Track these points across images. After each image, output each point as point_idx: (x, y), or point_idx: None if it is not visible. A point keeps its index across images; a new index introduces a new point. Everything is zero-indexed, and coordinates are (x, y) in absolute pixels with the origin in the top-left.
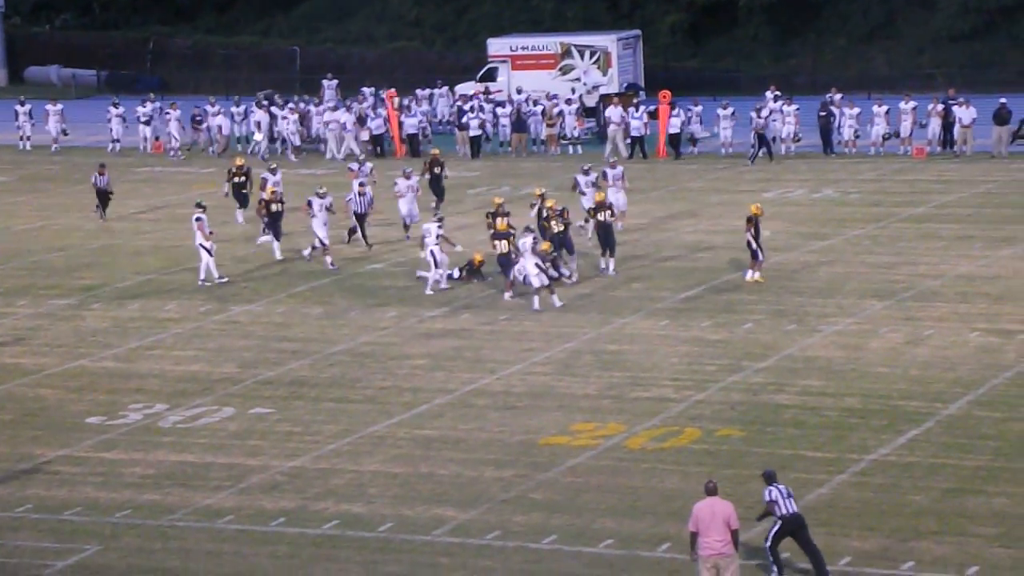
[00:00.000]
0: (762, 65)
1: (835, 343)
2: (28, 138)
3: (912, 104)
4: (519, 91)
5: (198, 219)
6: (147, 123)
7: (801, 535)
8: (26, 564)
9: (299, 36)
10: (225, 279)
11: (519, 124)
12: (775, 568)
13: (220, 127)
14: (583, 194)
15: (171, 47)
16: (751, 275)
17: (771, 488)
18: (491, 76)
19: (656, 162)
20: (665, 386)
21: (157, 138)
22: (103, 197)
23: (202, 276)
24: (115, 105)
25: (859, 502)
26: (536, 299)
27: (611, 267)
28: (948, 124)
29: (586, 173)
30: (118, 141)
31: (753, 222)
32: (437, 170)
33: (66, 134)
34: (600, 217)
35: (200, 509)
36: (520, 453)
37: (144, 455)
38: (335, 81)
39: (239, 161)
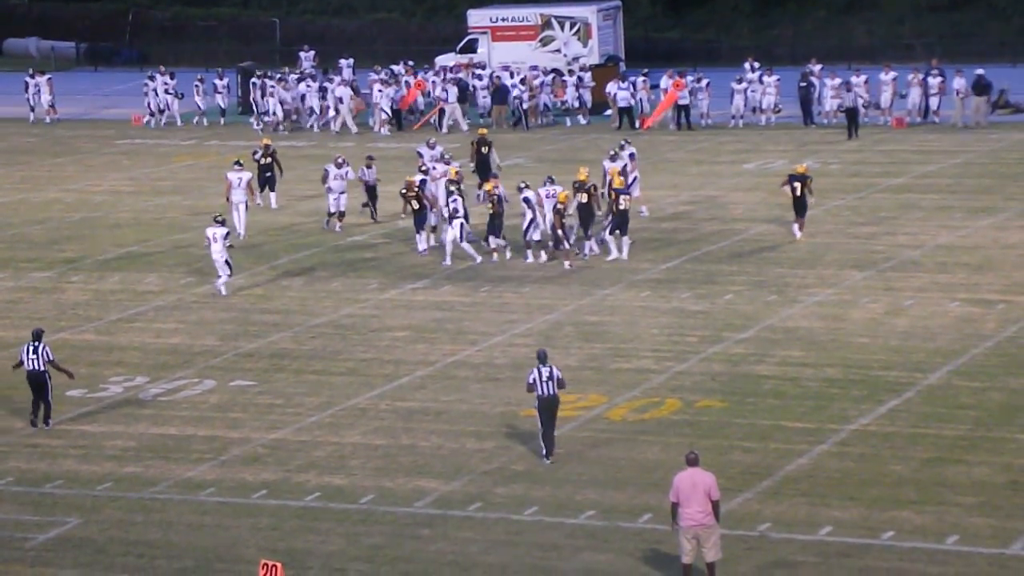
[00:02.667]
0: (742, 36)
1: (815, 313)
2: (33, 108)
3: (892, 75)
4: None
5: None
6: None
7: (551, 415)
8: (7, 537)
9: (279, 8)
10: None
11: (499, 96)
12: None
13: (281, 101)
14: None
15: (150, 19)
16: (798, 233)
17: (537, 368)
18: (471, 48)
19: (637, 134)
20: (646, 357)
21: (162, 111)
22: (372, 193)
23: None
24: (151, 78)
25: (839, 472)
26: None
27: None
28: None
29: (621, 148)
30: (160, 113)
31: (799, 180)
32: (485, 150)
33: (54, 109)
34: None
35: (181, 481)
36: (501, 424)
37: (125, 428)
38: (312, 52)
39: (266, 140)
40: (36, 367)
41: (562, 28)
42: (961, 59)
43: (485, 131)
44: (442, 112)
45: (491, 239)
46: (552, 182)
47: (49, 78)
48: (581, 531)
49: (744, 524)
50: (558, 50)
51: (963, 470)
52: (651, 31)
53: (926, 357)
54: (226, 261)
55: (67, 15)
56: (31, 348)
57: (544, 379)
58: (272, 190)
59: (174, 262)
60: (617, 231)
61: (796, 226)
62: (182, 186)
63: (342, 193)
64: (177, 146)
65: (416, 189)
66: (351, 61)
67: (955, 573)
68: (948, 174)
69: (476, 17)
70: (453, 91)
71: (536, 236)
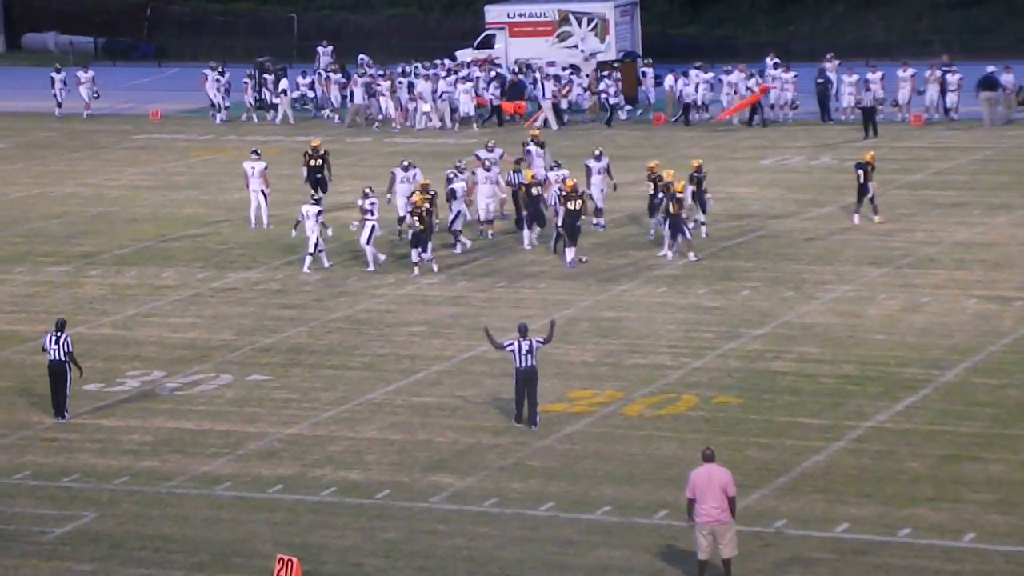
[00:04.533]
0: (760, 32)
1: (832, 310)
2: (60, 104)
3: (910, 71)
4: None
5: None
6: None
7: (530, 387)
8: (24, 531)
9: (296, 3)
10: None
11: (515, 91)
12: None
13: (352, 94)
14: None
15: (168, 14)
16: (856, 219)
17: (517, 341)
18: (488, 43)
19: (655, 129)
20: (662, 353)
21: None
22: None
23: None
24: (218, 72)
25: (856, 469)
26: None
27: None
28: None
29: (597, 159)
30: (222, 109)
31: (864, 167)
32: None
33: (97, 97)
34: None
35: (198, 476)
36: (511, 421)
37: (142, 422)
38: (330, 48)
39: (315, 143)
40: (58, 357)
41: (579, 24)
42: (980, 55)
43: (537, 132)
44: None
45: (526, 235)
46: (559, 167)
47: (92, 74)
48: (597, 527)
49: (760, 521)
50: (575, 46)
51: (980, 467)
52: (668, 27)
53: (943, 354)
54: (317, 240)
55: (85, 10)
56: (53, 338)
57: (524, 352)
58: (324, 191)
59: (191, 257)
60: (679, 233)
61: (855, 215)
62: (199, 181)
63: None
64: (194, 141)
65: (425, 205)
66: (330, 49)
67: (972, 570)
68: (966, 171)
69: (493, 13)
70: (549, 88)
71: (459, 226)
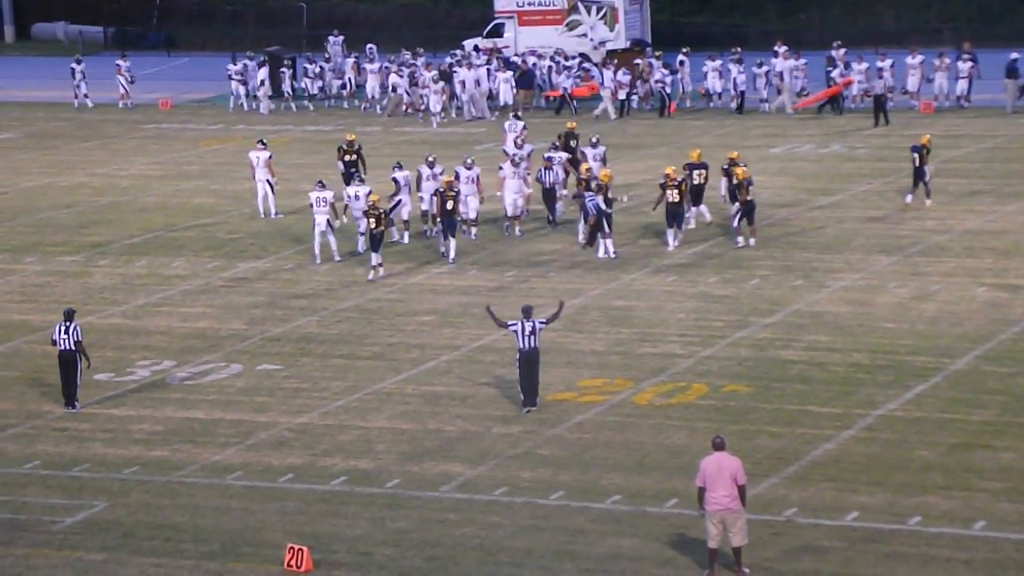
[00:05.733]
0: (769, 20)
1: (842, 298)
2: (87, 95)
3: (919, 59)
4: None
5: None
6: (242, 81)
7: (531, 368)
8: (35, 520)
9: None
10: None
11: (525, 80)
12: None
13: (394, 86)
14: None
15: (177, 3)
16: (909, 198)
17: (521, 322)
18: (497, 32)
19: (664, 118)
20: (672, 342)
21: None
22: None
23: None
24: (256, 61)
25: (866, 457)
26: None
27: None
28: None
29: (594, 146)
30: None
31: (919, 151)
32: (573, 143)
33: (132, 82)
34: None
35: (208, 465)
36: (519, 409)
37: (152, 411)
38: (341, 37)
39: (349, 137)
40: (67, 347)
41: (589, 12)
42: (990, 43)
43: (574, 125)
44: (563, 99)
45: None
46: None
47: (128, 65)
48: (607, 516)
49: (770, 509)
50: (585, 34)
51: (990, 455)
52: (677, 15)
53: (953, 342)
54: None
55: None
56: (63, 328)
57: (527, 333)
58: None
59: (201, 246)
60: (744, 218)
61: (909, 195)
62: (209, 170)
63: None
64: (204, 130)
65: (382, 207)
66: (341, 38)
67: (982, 559)
68: (976, 159)
69: (503, 2)
70: (608, 75)
71: (405, 216)
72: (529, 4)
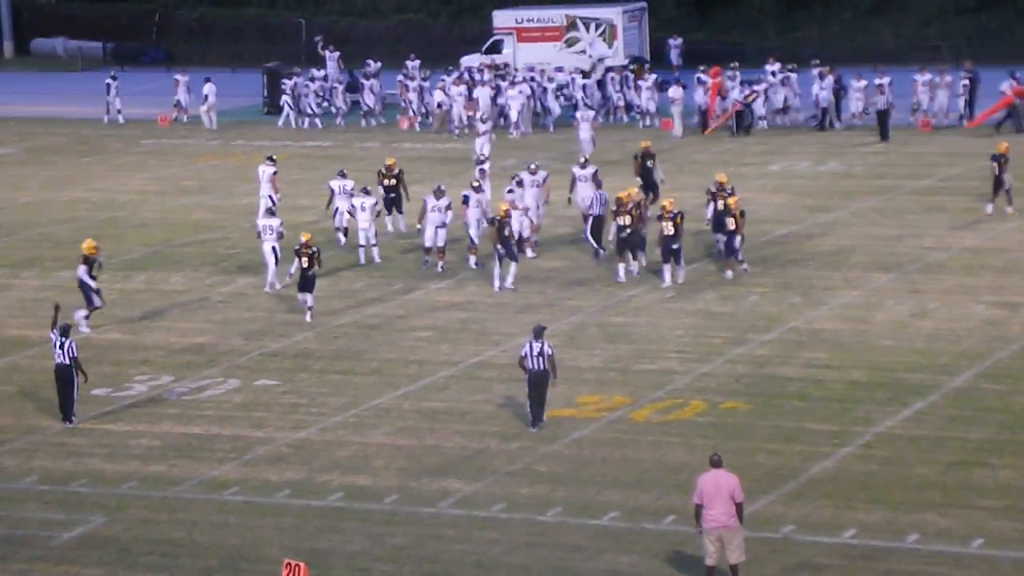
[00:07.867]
0: (768, 38)
1: (840, 316)
2: (119, 111)
3: (928, 76)
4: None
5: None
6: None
7: (538, 390)
8: (32, 535)
9: (305, 8)
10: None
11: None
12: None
13: (439, 103)
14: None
15: (177, 19)
16: (989, 208)
17: (529, 343)
18: (496, 49)
19: (661, 135)
20: (670, 358)
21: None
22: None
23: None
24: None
25: (864, 475)
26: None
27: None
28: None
29: (583, 167)
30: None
31: (998, 160)
32: (649, 163)
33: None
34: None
35: (206, 481)
36: (525, 425)
37: (150, 427)
38: (337, 53)
39: (389, 161)
40: (63, 361)
41: (587, 29)
42: (988, 61)
43: (648, 144)
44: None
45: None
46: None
47: (188, 79)
48: (604, 532)
49: (768, 526)
50: (583, 51)
51: (988, 473)
52: (676, 33)
53: (951, 360)
54: (373, 235)
55: (94, 15)
56: (58, 343)
57: (535, 355)
58: (400, 212)
59: (199, 262)
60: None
61: (989, 204)
62: (208, 186)
63: (440, 227)
64: (203, 146)
65: (313, 247)
66: (337, 54)
67: None
68: (975, 176)
69: (501, 18)
70: (679, 91)
71: (343, 223)
72: (528, 21)
